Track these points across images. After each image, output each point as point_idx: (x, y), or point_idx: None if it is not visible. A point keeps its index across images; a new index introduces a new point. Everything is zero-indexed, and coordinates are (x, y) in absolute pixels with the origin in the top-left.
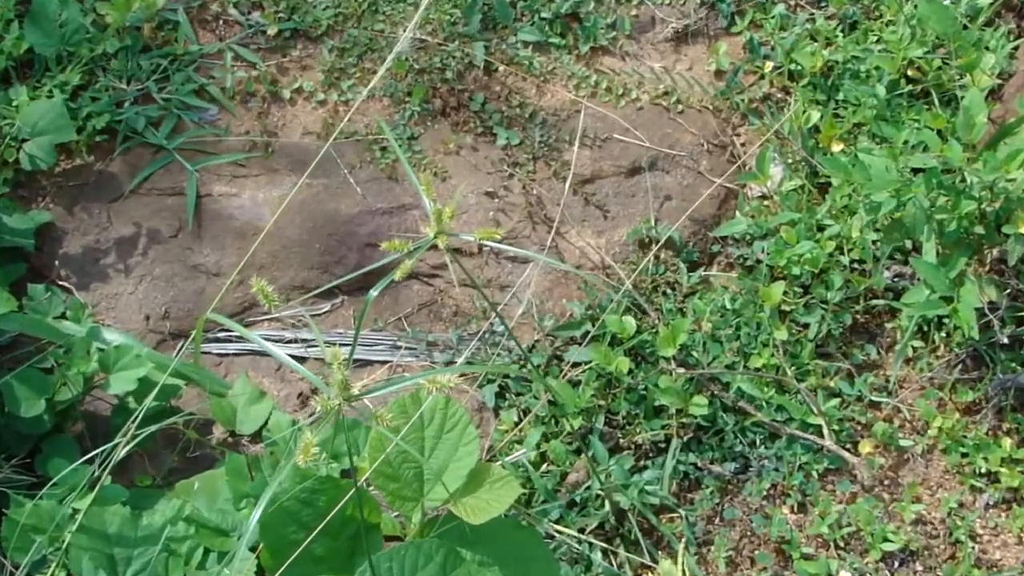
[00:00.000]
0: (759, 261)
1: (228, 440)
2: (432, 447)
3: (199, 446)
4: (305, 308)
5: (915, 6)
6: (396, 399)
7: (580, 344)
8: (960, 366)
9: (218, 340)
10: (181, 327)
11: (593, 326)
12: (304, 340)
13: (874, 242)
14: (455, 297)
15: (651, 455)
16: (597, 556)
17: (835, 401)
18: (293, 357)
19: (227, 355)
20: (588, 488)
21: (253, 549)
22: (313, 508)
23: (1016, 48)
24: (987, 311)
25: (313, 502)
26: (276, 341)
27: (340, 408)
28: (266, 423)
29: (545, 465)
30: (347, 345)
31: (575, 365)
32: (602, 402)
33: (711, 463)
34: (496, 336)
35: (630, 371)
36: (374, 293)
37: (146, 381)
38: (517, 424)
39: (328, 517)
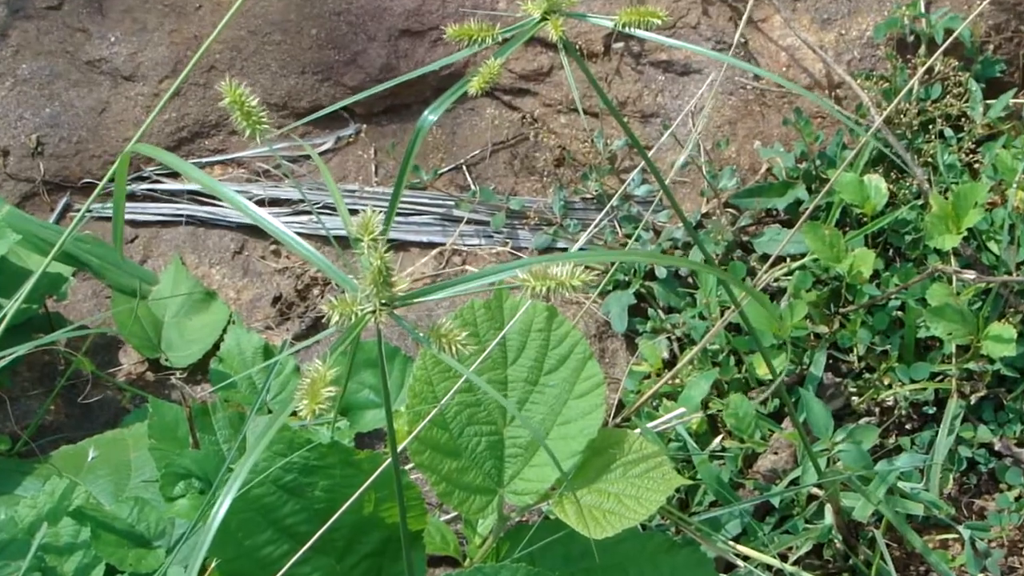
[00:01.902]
0: None
1: (147, 376)
2: (522, 398)
3: (96, 386)
4: (292, 143)
5: None
6: (459, 309)
7: (784, 224)
8: None
9: (132, 197)
10: (66, 170)
11: (809, 191)
12: (285, 201)
13: None
14: (558, 133)
15: (910, 427)
16: None
17: None
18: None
19: (145, 223)
20: (796, 482)
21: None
22: (303, 501)
23: None
24: None
25: (304, 490)
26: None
27: (377, 317)
28: (216, 347)
29: (719, 438)
30: (371, 207)
31: (776, 261)
32: (823, 329)
33: (1020, 445)
34: (634, 204)
35: (876, 276)
36: (432, 117)
37: (5, 265)
38: (668, 363)
39: (332, 519)
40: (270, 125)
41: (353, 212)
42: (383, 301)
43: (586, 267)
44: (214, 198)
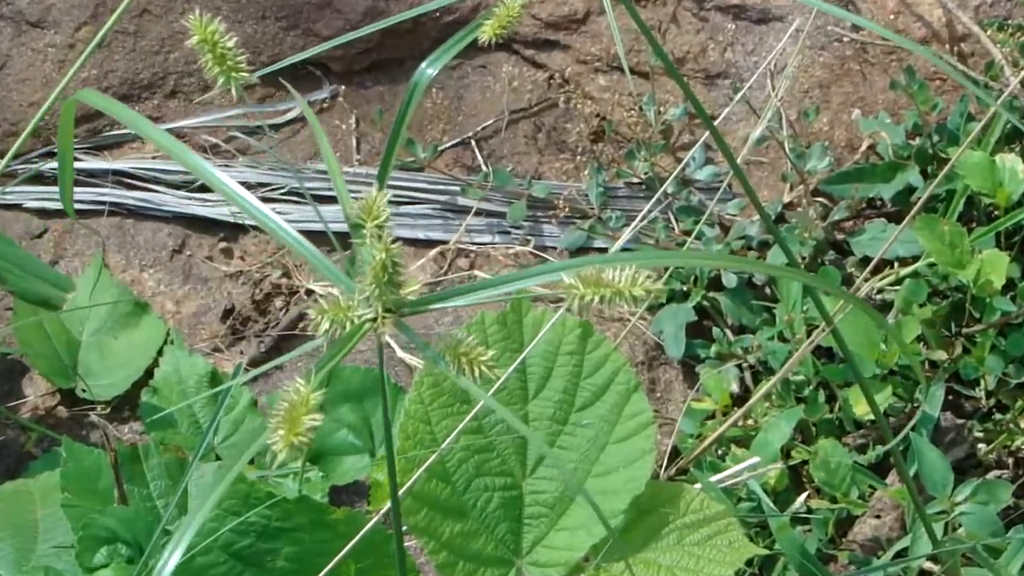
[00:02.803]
0: None
1: (59, 411)
2: (548, 440)
3: None
4: (247, 108)
5: None
6: (466, 324)
7: (891, 218)
8: None
9: (40, 178)
10: None
11: (924, 176)
12: (240, 185)
13: None
14: (596, 98)
15: None
16: None
17: None
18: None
19: (58, 213)
20: (904, 554)
21: None
22: (263, 573)
23: None
24: None
25: (263, 559)
26: (176, 184)
27: (380, 327)
28: (149, 374)
29: (803, 496)
30: (354, 198)
31: (880, 266)
32: (941, 355)
33: None
34: (695, 191)
35: (1010, 286)
36: (431, 71)
37: None
38: (739, 399)
39: None
40: (249, 74)
41: (327, 200)
42: (388, 307)
43: (640, 272)
44: (147, 180)
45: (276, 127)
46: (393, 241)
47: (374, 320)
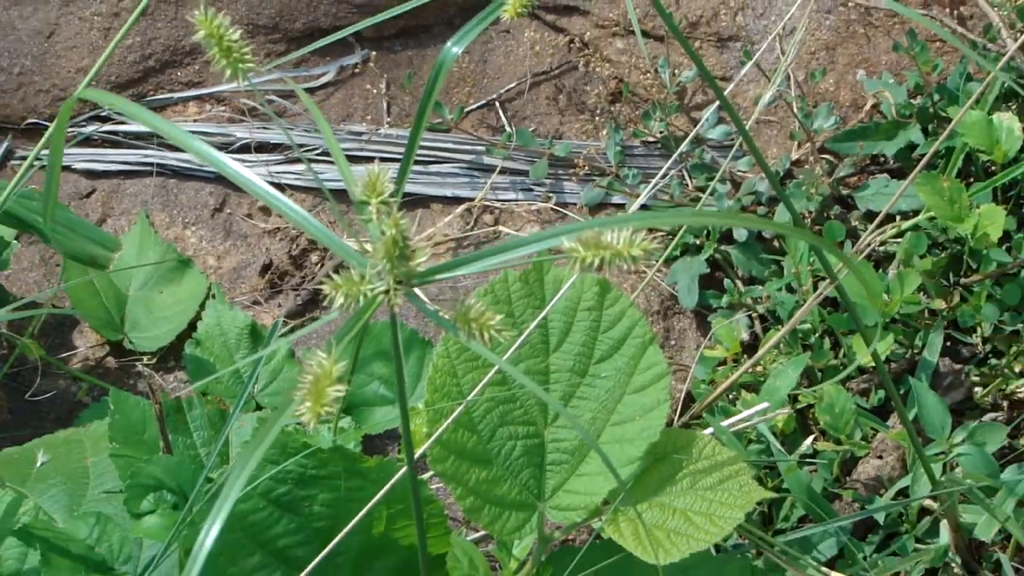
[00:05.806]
0: None
1: (107, 362)
2: (568, 392)
3: (46, 375)
4: (285, 73)
5: None
6: (490, 282)
7: (894, 174)
8: None
9: (88, 142)
10: (7, 109)
11: (925, 134)
12: (277, 146)
13: None
14: (614, 61)
15: None
16: None
17: None
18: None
19: (105, 174)
20: (904, 494)
21: None
22: (300, 519)
23: None
24: None
25: (300, 505)
26: (218, 145)
27: (392, 299)
28: (192, 326)
29: (810, 439)
30: (385, 159)
31: (884, 220)
32: (940, 304)
33: None
34: (708, 150)
35: (1006, 238)
36: (456, 50)
37: None
38: (749, 347)
39: (335, 541)
40: (255, 63)
41: (359, 160)
42: (399, 279)
43: (650, 231)
44: None
45: (310, 91)
46: (401, 217)
47: (386, 292)
